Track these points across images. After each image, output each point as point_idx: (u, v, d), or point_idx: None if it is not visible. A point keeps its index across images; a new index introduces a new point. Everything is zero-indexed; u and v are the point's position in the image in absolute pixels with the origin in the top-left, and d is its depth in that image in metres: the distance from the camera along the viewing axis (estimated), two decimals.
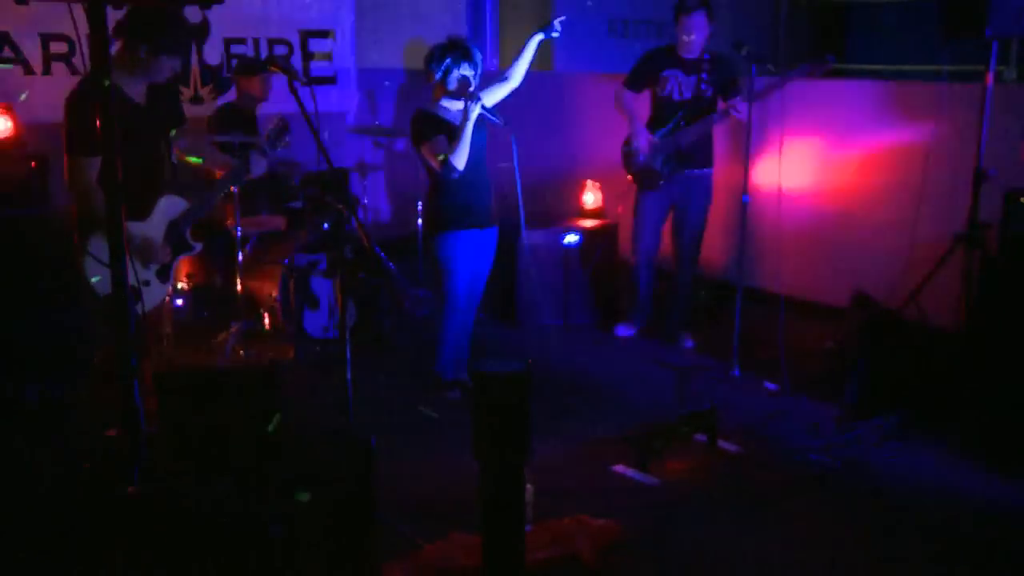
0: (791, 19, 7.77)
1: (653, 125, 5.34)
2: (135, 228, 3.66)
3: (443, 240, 4.46)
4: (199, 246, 3.99)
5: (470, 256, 4.52)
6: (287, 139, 4.23)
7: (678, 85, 5.21)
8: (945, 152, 5.08)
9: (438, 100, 4.42)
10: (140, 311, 3.64)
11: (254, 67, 5.70)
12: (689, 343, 5.50)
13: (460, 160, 4.25)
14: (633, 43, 6.01)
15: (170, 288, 3.94)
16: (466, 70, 4.29)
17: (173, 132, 3.91)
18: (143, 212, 3.72)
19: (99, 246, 3.50)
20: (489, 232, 4.59)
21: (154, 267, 3.79)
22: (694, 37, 5.09)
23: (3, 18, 5.55)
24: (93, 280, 3.55)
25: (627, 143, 5.39)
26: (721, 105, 5.15)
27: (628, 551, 3.30)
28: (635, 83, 5.38)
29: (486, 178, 4.51)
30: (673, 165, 5.26)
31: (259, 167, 4.03)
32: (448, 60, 4.29)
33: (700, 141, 5.23)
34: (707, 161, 5.35)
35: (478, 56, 4.35)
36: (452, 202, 4.44)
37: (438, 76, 4.35)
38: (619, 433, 4.21)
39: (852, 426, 4.22)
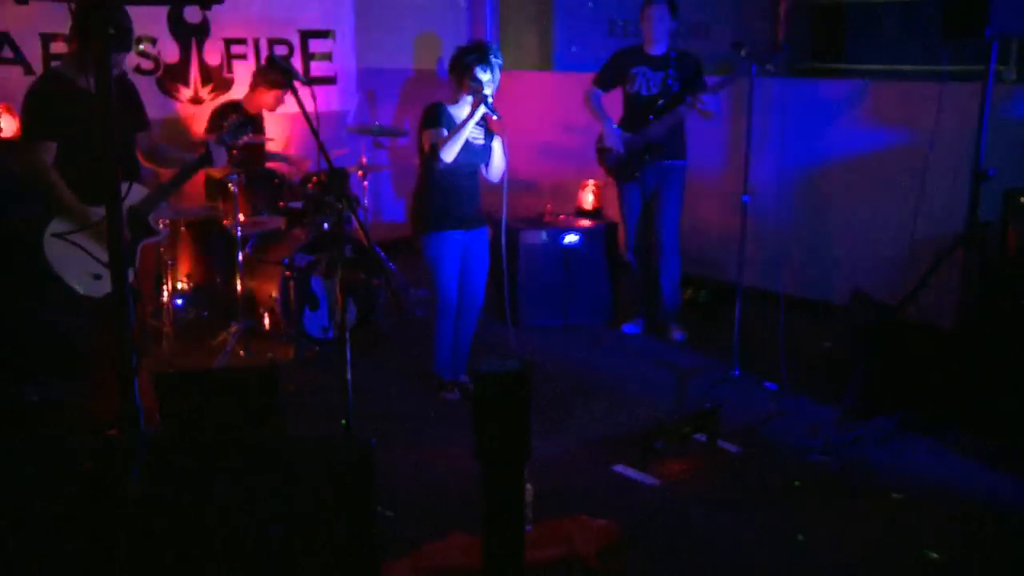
0: (791, 19, 7.76)
1: (625, 121, 5.49)
2: (95, 212, 3.74)
3: (427, 241, 4.52)
4: (165, 232, 4.07)
5: (456, 256, 4.56)
6: (248, 131, 4.50)
7: (646, 81, 5.37)
8: (945, 152, 5.08)
9: (457, 100, 4.47)
10: (100, 295, 3.79)
11: (280, 82, 5.66)
12: (679, 335, 5.56)
13: (448, 152, 4.30)
14: (633, 43, 6.03)
15: (133, 274, 4.01)
16: (482, 73, 4.33)
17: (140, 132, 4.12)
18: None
19: (57, 226, 3.73)
20: (476, 233, 4.62)
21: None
22: (655, 28, 5.28)
23: (3, 18, 5.56)
24: (53, 261, 3.73)
25: (600, 140, 5.57)
26: (689, 99, 5.22)
27: (628, 551, 3.30)
28: (604, 81, 5.57)
29: (475, 186, 4.59)
30: (645, 158, 5.38)
31: (220, 158, 4.18)
32: (466, 61, 4.34)
33: (670, 134, 5.35)
34: (679, 153, 5.47)
35: (497, 60, 4.38)
36: (434, 204, 4.51)
37: (455, 76, 4.41)
38: (619, 433, 4.22)
39: (852, 426, 4.22)
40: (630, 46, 5.55)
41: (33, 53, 5.75)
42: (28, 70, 5.75)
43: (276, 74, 6.04)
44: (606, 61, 5.58)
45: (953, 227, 4.82)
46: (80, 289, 3.74)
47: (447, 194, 4.49)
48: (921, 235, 5.13)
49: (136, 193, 3.94)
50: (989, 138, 4.64)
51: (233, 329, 5.16)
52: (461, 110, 4.44)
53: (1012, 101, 5.01)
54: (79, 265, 3.75)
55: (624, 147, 5.44)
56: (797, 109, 5.71)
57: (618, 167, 5.52)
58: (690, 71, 5.32)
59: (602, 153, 5.58)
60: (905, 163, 5.39)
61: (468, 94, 4.37)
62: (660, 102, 5.33)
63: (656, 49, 5.34)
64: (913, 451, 4.06)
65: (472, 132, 4.41)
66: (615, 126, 5.47)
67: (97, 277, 3.79)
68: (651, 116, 5.34)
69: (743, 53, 4.74)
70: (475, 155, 4.48)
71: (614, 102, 5.59)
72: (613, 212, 6.05)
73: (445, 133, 4.35)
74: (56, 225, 3.74)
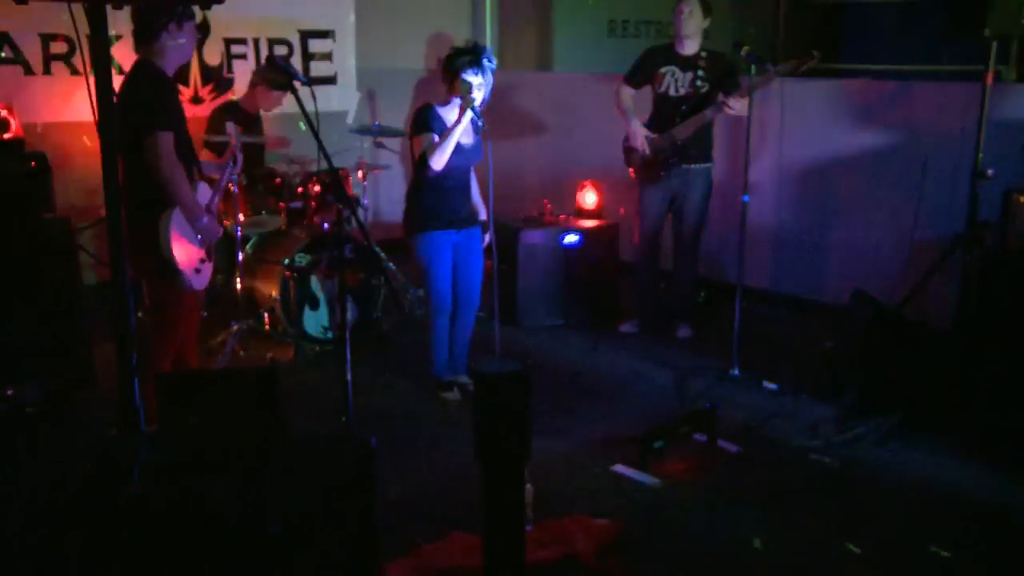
0: (791, 19, 7.77)
1: (652, 121, 5.42)
2: (201, 203, 3.83)
3: (419, 241, 4.52)
4: (221, 229, 4.12)
5: (448, 255, 4.56)
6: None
7: (675, 81, 5.30)
8: (945, 152, 5.08)
9: (447, 101, 4.46)
10: (201, 287, 3.90)
11: (281, 83, 5.67)
12: (686, 332, 5.57)
13: (437, 161, 4.31)
14: (633, 43, 6.03)
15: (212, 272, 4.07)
16: (472, 76, 4.31)
17: None
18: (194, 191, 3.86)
19: (179, 219, 3.70)
20: (467, 233, 4.62)
21: (208, 245, 3.92)
22: (684, 25, 5.20)
23: (3, 18, 5.56)
24: (174, 255, 3.68)
25: (627, 139, 5.50)
26: (721, 98, 5.18)
27: (628, 551, 3.30)
28: (634, 79, 5.49)
29: (466, 186, 4.58)
30: (671, 159, 5.33)
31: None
32: (456, 64, 4.32)
33: (697, 136, 5.29)
34: (706, 156, 5.41)
35: (489, 64, 4.36)
36: (425, 204, 4.51)
37: (447, 78, 4.39)
38: (619, 433, 4.22)
39: (852, 426, 4.22)
40: (661, 44, 5.47)
41: (33, 53, 5.75)
42: (28, 70, 5.76)
43: (276, 73, 6.05)
44: (637, 58, 5.49)
45: (953, 227, 4.82)
46: (187, 284, 3.76)
47: (438, 195, 4.47)
48: (921, 235, 5.13)
49: (204, 190, 3.94)
50: (989, 138, 4.64)
51: (233, 329, 5.16)
52: (452, 112, 4.42)
53: (1012, 101, 5.01)
54: (183, 254, 3.74)
55: (650, 147, 5.37)
56: (797, 109, 5.71)
57: (643, 167, 5.45)
58: (721, 72, 5.24)
59: (628, 152, 5.52)
60: (905, 163, 5.39)
61: (458, 96, 4.35)
62: (686, 105, 5.25)
63: (687, 48, 5.25)
64: (913, 451, 4.06)
65: (461, 134, 4.41)
66: (642, 126, 5.41)
67: (197, 271, 3.84)
68: (678, 117, 5.27)
69: (743, 53, 4.74)
70: (465, 156, 4.47)
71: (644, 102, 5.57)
72: (615, 213, 6.04)
73: (436, 139, 4.34)
74: (177, 217, 3.71)
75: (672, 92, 5.30)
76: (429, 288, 4.57)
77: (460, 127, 4.28)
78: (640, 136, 5.37)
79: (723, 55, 5.33)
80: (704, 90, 5.24)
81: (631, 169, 5.54)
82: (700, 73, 5.22)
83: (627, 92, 5.48)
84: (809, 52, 4.79)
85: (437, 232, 4.50)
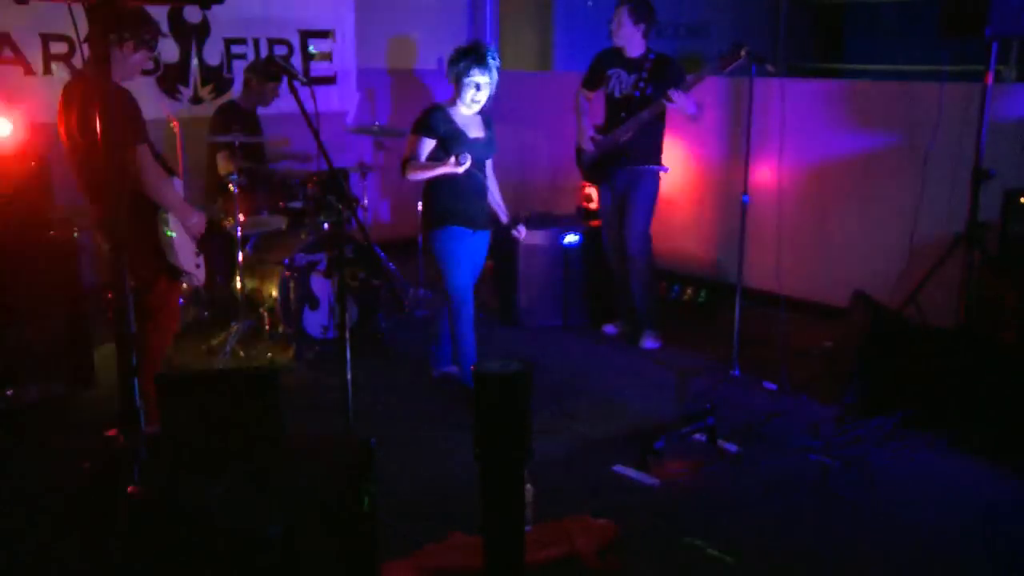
0: (791, 19, 7.77)
1: (603, 123, 5.49)
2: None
3: (439, 236, 4.50)
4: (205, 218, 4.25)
5: (466, 252, 4.54)
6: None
7: (619, 83, 5.35)
8: (945, 152, 5.08)
9: (455, 102, 4.45)
10: (200, 283, 4.28)
11: (273, 73, 5.68)
12: (650, 344, 5.44)
13: (410, 175, 4.40)
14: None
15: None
16: (478, 76, 4.32)
17: None
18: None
19: (174, 223, 3.85)
20: (481, 235, 4.61)
21: (197, 237, 4.07)
22: (616, 33, 5.29)
23: (3, 18, 5.56)
24: (169, 253, 3.86)
25: (578, 140, 5.58)
26: (662, 97, 5.13)
27: (628, 551, 3.30)
28: (588, 82, 5.56)
29: (480, 185, 4.55)
30: (615, 160, 5.36)
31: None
32: (462, 64, 4.32)
33: (640, 137, 5.28)
34: (649, 158, 5.36)
35: (493, 63, 4.36)
36: (444, 201, 4.49)
37: (452, 79, 4.39)
38: (619, 433, 4.22)
39: (852, 426, 4.23)
40: (612, 48, 5.46)
41: (33, 53, 5.75)
42: (28, 70, 5.75)
43: (268, 65, 6.07)
44: (590, 62, 5.56)
45: (953, 227, 4.82)
46: (191, 279, 4.04)
47: (453, 192, 4.45)
48: (921, 235, 5.13)
49: (177, 186, 4.02)
50: (989, 138, 4.64)
51: (233, 329, 5.16)
52: (459, 113, 4.44)
53: (1012, 101, 5.01)
54: (184, 255, 3.93)
55: (595, 148, 5.42)
56: (797, 109, 5.71)
57: (590, 168, 5.52)
58: (666, 74, 5.22)
59: (578, 154, 5.59)
60: (905, 163, 5.39)
61: (462, 101, 4.39)
62: (624, 109, 5.26)
63: (633, 51, 5.29)
64: (913, 451, 4.06)
65: (472, 130, 4.41)
66: (590, 127, 5.46)
67: (198, 266, 4.04)
68: (621, 119, 5.29)
69: (743, 53, 4.74)
70: (478, 151, 4.45)
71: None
72: None
73: (425, 147, 4.38)
74: (172, 221, 3.88)
75: (617, 94, 5.35)
76: (449, 283, 4.50)
77: (443, 169, 4.30)
78: (585, 136, 5.45)
79: (669, 57, 5.33)
80: (648, 92, 5.23)
81: (580, 171, 5.62)
82: (644, 75, 5.25)
83: (583, 94, 5.56)
84: (736, 51, 4.77)
85: (456, 227, 4.48)
